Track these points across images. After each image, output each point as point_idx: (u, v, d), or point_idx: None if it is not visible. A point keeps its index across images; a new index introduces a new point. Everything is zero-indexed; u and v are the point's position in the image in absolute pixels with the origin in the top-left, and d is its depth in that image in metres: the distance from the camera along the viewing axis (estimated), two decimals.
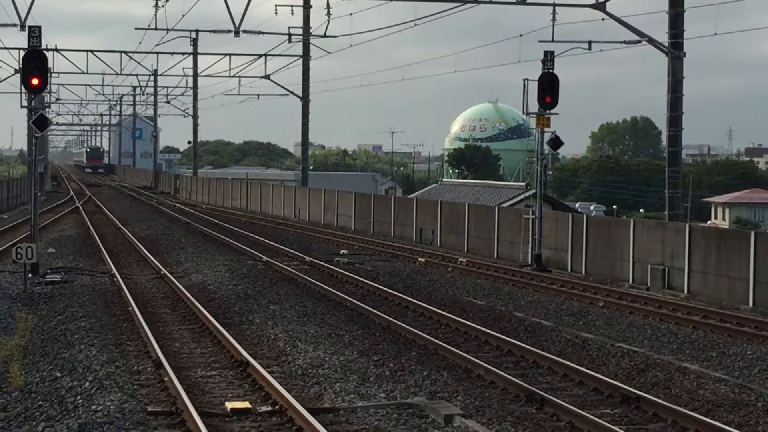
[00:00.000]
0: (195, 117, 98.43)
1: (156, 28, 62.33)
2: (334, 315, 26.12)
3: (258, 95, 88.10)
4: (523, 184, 67.18)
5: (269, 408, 16.57)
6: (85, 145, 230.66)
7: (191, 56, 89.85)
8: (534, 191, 42.39)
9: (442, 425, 15.86)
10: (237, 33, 53.89)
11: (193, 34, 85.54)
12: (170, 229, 53.26)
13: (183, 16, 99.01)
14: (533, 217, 39.40)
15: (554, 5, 42.45)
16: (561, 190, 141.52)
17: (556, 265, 39.04)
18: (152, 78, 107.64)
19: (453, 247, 46.53)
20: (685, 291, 32.52)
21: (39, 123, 32.94)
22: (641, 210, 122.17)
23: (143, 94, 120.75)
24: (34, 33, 32.36)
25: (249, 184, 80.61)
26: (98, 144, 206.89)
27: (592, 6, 41.60)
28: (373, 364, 20.00)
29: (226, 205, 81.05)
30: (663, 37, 40.70)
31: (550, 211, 45.75)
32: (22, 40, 36.76)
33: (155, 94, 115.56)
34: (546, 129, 38.55)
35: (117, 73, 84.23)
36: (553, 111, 38.26)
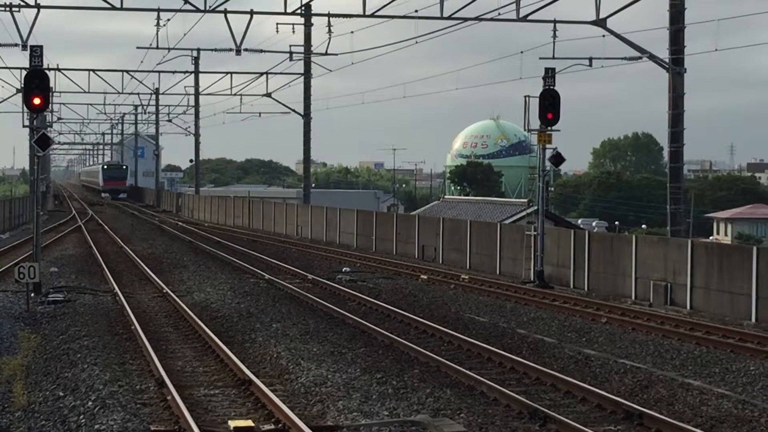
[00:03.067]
0: (197, 135, 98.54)
1: (158, 47, 62.44)
2: (337, 333, 26.12)
3: (260, 113, 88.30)
4: (525, 200, 67.25)
5: (272, 426, 16.57)
6: (95, 160, 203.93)
7: (193, 75, 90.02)
8: (536, 208, 42.39)
9: None
10: (238, 51, 53.94)
11: (195, 53, 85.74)
12: (172, 248, 53.27)
13: (184, 35, 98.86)
14: (535, 233, 39.38)
15: (555, 22, 42.56)
16: (563, 207, 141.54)
17: (558, 282, 39.03)
18: (154, 97, 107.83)
19: (455, 264, 46.52)
20: (688, 307, 32.49)
21: (41, 142, 33.00)
22: (643, 226, 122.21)
23: (145, 113, 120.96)
24: (36, 53, 32.43)
25: (251, 202, 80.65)
26: (117, 159, 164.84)
27: (592, 23, 41.72)
28: (375, 382, 20.00)
29: (228, 223, 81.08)
30: (664, 54, 40.81)
31: (552, 228, 45.75)
32: (23, 59, 36.91)
33: (157, 112, 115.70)
34: (547, 145, 38.56)
35: (119, 92, 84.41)
36: (554, 127, 38.25)
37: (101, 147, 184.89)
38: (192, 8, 46.03)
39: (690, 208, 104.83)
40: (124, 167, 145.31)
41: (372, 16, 45.25)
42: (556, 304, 32.60)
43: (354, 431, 16.43)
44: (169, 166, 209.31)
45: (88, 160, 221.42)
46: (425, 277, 40.15)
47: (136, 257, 45.82)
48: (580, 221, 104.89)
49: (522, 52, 46.50)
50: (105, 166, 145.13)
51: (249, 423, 16.61)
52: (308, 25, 68.64)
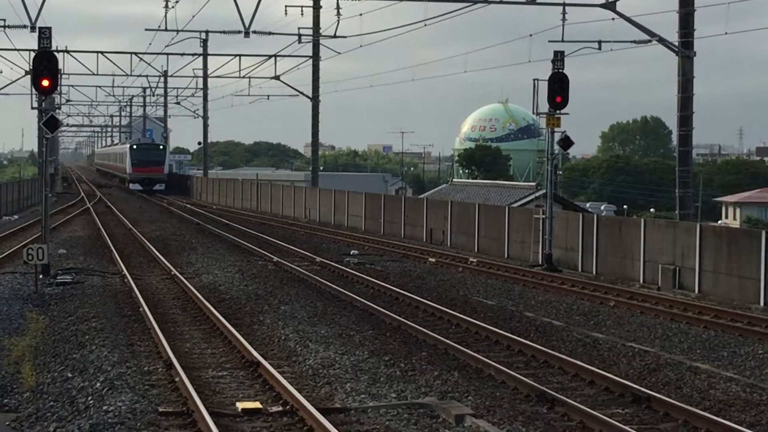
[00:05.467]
0: (205, 118, 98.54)
1: (166, 29, 62.38)
2: (345, 315, 26.14)
3: (268, 96, 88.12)
4: (533, 184, 67.16)
5: (280, 408, 16.59)
6: (106, 141, 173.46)
7: (201, 57, 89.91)
8: (544, 191, 42.33)
9: (453, 425, 15.86)
10: (247, 34, 53.92)
11: (203, 35, 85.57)
12: (180, 230, 53.32)
13: (193, 17, 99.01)
14: (544, 217, 39.36)
15: (564, 5, 42.42)
16: (571, 190, 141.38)
17: (566, 265, 39.00)
18: (162, 79, 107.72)
19: (463, 247, 46.50)
20: (696, 290, 32.46)
21: (49, 124, 33.00)
22: (652, 210, 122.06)
23: (153, 95, 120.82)
24: (45, 34, 32.41)
25: (259, 185, 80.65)
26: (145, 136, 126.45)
27: (602, 6, 41.58)
28: (383, 364, 20.00)
29: (236, 205, 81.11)
30: (673, 37, 40.68)
31: (561, 211, 45.71)
32: (32, 41, 36.91)
33: (165, 95, 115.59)
34: (556, 129, 38.51)
35: (127, 75, 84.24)
36: (563, 111, 38.21)
37: (110, 129, 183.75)
38: None
39: (699, 192, 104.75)
40: (161, 147, 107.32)
41: None
42: (564, 288, 32.58)
43: (362, 413, 16.44)
44: (178, 149, 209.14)
45: (100, 140, 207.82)
46: (433, 260, 40.14)
47: (144, 239, 45.86)
48: (588, 205, 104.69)
49: (531, 36, 46.42)
50: (134, 146, 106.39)
51: (257, 405, 16.64)
52: (317, 8, 68.57)
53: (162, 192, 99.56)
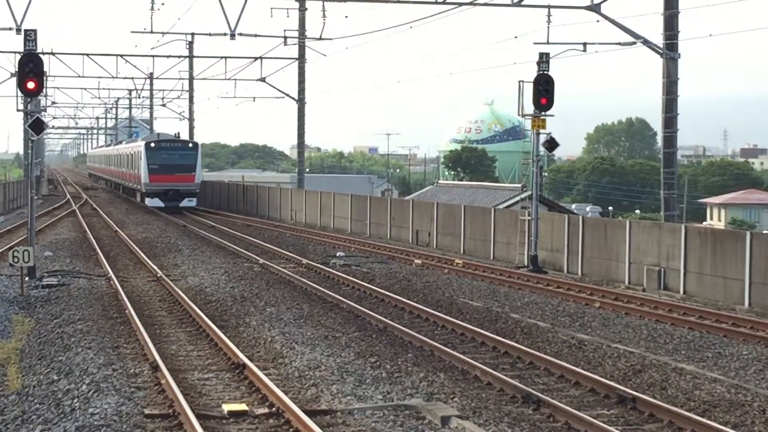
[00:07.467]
0: (191, 120, 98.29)
1: (152, 32, 62.28)
2: (331, 317, 26.15)
3: (254, 98, 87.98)
4: (518, 185, 67.25)
5: (266, 410, 16.61)
6: (94, 143, 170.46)
7: (187, 59, 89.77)
8: (530, 193, 42.41)
9: (438, 426, 15.90)
10: (233, 36, 53.84)
11: (189, 38, 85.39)
12: (166, 232, 53.23)
13: (179, 19, 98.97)
14: (529, 218, 39.43)
15: (549, 7, 42.51)
16: (557, 192, 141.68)
17: (552, 267, 39.08)
18: (148, 81, 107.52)
19: (449, 248, 46.55)
20: (681, 292, 32.56)
21: (35, 126, 32.97)
22: (637, 211, 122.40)
23: (139, 98, 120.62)
24: (30, 37, 32.38)
25: (245, 187, 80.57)
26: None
27: (587, 8, 41.68)
28: (369, 366, 20.03)
29: (222, 207, 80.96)
30: (658, 39, 40.81)
31: (546, 213, 45.77)
32: (17, 43, 36.96)
33: (151, 97, 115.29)
34: (541, 131, 38.59)
35: (113, 77, 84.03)
36: (548, 113, 38.29)
37: (95, 131, 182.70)
38: None
39: (684, 194, 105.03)
40: (191, 145, 76.97)
41: (367, 0, 45.14)
42: (549, 289, 32.65)
43: (348, 415, 16.47)
44: None
45: (86, 142, 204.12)
46: (419, 261, 40.17)
47: (130, 241, 45.80)
48: (573, 206, 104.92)
49: (516, 37, 46.55)
50: (151, 144, 74.90)
51: (243, 407, 16.66)
52: (302, 10, 68.48)
53: (192, 209, 72.78)
